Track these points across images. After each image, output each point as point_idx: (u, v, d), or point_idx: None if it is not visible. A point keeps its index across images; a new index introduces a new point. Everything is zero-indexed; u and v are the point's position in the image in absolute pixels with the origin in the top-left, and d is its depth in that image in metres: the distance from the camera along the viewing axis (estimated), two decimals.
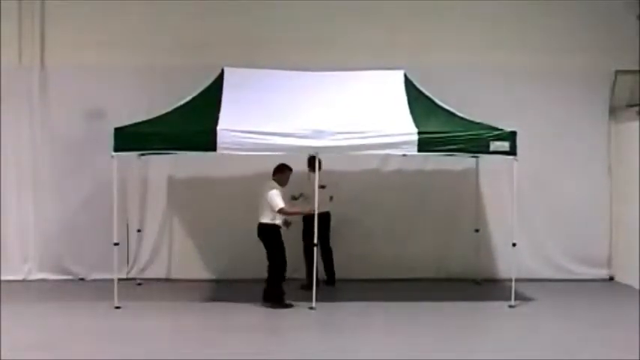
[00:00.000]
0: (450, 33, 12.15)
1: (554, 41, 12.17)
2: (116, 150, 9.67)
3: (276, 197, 9.84)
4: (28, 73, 11.94)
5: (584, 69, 12.16)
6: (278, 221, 9.96)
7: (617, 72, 12.11)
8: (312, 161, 10.47)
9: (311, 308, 9.78)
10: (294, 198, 10.98)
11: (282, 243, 10.05)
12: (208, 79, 10.53)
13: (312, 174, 10.49)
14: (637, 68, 12.05)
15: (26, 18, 11.91)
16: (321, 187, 10.16)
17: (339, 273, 11.40)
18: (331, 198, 10.97)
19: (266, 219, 9.93)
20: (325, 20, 12.03)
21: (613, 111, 12.28)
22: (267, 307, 9.92)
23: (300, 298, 10.13)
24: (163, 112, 10.10)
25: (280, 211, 9.84)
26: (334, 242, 11.38)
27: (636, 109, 11.72)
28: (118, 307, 9.77)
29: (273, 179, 10.09)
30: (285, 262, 10.05)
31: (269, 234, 9.94)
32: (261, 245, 10.04)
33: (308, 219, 10.32)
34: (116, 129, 9.72)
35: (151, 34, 11.93)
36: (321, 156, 9.96)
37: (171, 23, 11.99)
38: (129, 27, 11.95)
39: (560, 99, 12.19)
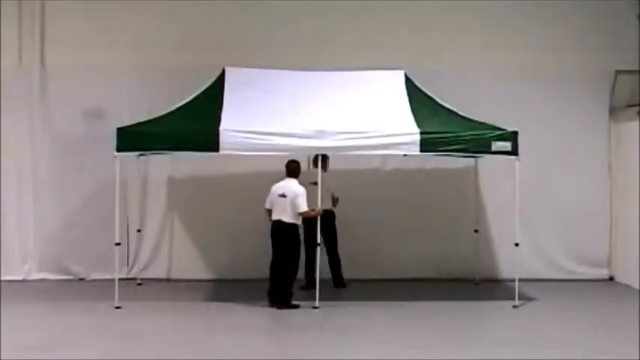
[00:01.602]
0: (450, 33, 12.16)
1: (553, 41, 12.17)
2: (119, 150, 9.65)
3: (304, 199, 9.80)
4: (28, 73, 11.94)
5: (584, 69, 12.17)
6: (300, 221, 9.93)
7: (617, 72, 12.14)
8: (318, 159, 10.55)
9: (314, 308, 9.79)
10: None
11: (300, 243, 10.05)
12: (208, 79, 10.51)
13: (312, 171, 10.59)
14: (637, 68, 12.07)
15: (26, 18, 11.91)
16: (314, 183, 10.14)
17: None
18: (337, 199, 10.95)
19: (288, 218, 9.83)
20: (325, 20, 12.03)
21: (613, 111, 12.29)
22: (275, 307, 9.85)
23: (303, 298, 10.12)
24: (164, 112, 10.08)
25: (303, 213, 9.83)
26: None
27: (636, 109, 11.73)
28: (118, 307, 9.74)
29: (295, 178, 9.98)
30: (299, 262, 10.08)
31: (291, 233, 9.88)
32: (264, 244, 9.99)
33: (309, 219, 10.24)
34: (118, 129, 9.70)
35: (151, 33, 11.93)
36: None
37: (171, 23, 12.00)
38: (129, 27, 11.94)
39: (560, 99, 12.20)
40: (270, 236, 9.98)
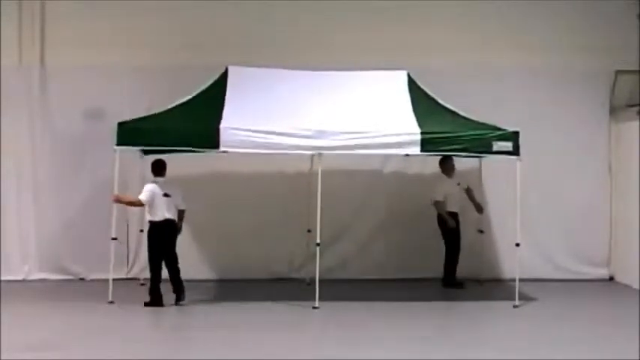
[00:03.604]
0: (450, 33, 12.16)
1: (554, 41, 12.20)
2: (119, 144, 9.68)
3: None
4: (28, 73, 11.94)
5: (584, 69, 12.19)
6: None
7: (617, 72, 12.15)
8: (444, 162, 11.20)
9: (314, 308, 9.79)
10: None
11: None
12: (209, 79, 10.51)
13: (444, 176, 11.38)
14: (637, 68, 12.09)
15: (26, 18, 11.92)
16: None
17: (339, 272, 11.42)
18: (481, 209, 11.52)
19: (174, 216, 10.02)
20: (326, 20, 12.04)
21: (613, 111, 12.30)
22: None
23: (304, 298, 10.14)
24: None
25: (184, 211, 10.15)
26: (334, 240, 11.45)
27: (636, 109, 11.75)
28: (112, 302, 9.82)
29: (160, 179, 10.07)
30: None
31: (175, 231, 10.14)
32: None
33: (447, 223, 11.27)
34: (119, 123, 9.75)
35: (151, 33, 11.94)
36: (323, 156, 9.76)
37: (171, 23, 12.01)
38: (129, 26, 11.94)
39: (560, 99, 12.21)
40: (156, 235, 9.98)
